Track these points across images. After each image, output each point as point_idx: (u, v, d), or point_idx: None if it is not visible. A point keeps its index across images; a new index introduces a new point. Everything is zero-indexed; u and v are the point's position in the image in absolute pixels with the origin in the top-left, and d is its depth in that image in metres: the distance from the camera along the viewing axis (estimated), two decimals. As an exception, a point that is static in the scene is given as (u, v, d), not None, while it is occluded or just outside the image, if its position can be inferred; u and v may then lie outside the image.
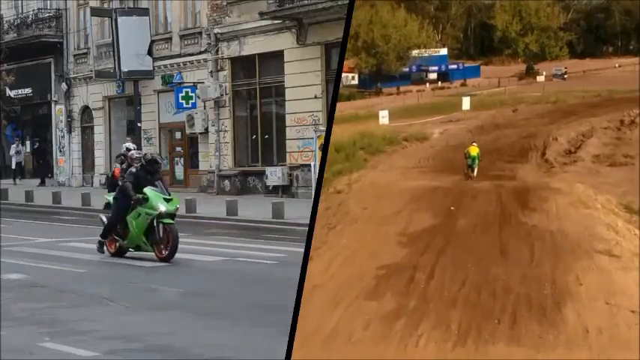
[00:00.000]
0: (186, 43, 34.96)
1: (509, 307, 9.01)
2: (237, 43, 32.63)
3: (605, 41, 41.62)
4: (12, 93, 43.41)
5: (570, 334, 8.24)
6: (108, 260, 16.92)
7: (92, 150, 40.26)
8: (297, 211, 22.81)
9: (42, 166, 43.29)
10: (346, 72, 38.39)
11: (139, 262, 16.32)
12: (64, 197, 31.50)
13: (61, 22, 41.14)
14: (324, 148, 19.08)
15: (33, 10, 41.97)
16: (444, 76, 40.92)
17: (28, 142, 44.46)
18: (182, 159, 36.01)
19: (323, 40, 29.36)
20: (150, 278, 14.80)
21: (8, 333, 10.32)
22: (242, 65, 33.17)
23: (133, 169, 17.41)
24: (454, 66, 41.13)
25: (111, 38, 36.11)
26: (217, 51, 33.38)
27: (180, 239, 16.47)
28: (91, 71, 38.66)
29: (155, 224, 16.27)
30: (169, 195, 16.71)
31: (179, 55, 35.03)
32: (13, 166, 43.27)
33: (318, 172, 25.26)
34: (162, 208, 16.24)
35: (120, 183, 21.06)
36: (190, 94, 33.49)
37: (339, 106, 27.95)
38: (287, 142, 30.82)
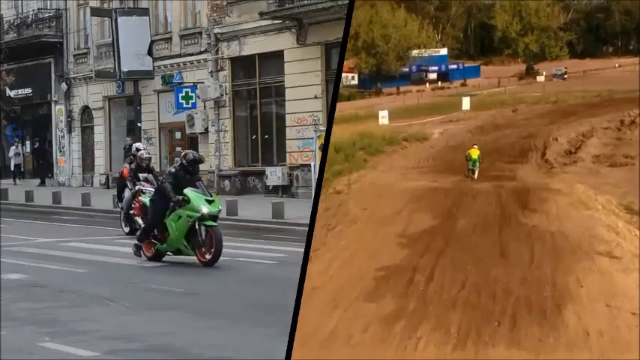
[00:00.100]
0: (186, 43, 34.93)
1: (510, 309, 8.98)
2: (237, 43, 32.62)
3: (605, 41, 41.65)
4: (12, 93, 43.35)
5: (571, 336, 8.22)
6: (108, 260, 16.90)
7: (92, 150, 40.21)
8: (297, 211, 22.78)
9: (42, 166, 43.20)
10: (346, 72, 38.42)
11: (139, 262, 16.29)
12: (64, 197, 31.46)
13: (61, 22, 41.10)
14: (324, 149, 19.05)
15: (33, 10, 41.90)
16: (443, 76, 40.94)
17: (28, 142, 44.40)
18: (182, 159, 35.94)
19: (323, 40, 29.34)
20: (150, 278, 14.77)
21: (8, 333, 10.30)
22: (242, 65, 33.14)
23: (172, 169, 16.40)
24: (454, 66, 41.16)
25: (111, 38, 36.09)
26: (217, 51, 33.36)
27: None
28: (91, 71, 38.63)
29: (197, 227, 15.46)
30: (211, 196, 15.85)
31: (179, 55, 35.00)
32: (12, 168, 43.21)
33: (318, 172, 25.24)
34: (205, 209, 15.39)
35: (128, 183, 21.12)
36: (190, 94, 33.46)
37: (339, 106, 27.96)
38: (287, 142, 30.79)
